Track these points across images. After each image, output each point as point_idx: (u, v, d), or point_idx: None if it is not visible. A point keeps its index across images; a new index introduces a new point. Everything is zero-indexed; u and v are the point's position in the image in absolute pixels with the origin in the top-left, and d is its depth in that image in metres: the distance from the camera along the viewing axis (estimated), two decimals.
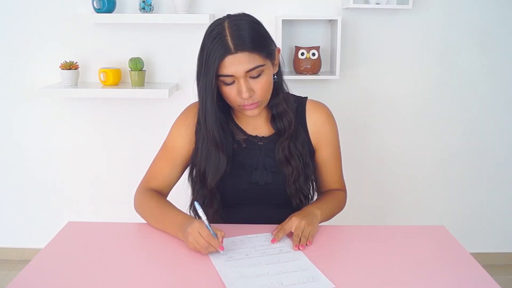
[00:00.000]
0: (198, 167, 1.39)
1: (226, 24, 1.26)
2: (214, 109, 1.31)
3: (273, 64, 1.33)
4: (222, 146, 1.35)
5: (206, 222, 1.19)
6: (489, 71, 2.53)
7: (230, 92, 1.29)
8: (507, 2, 2.45)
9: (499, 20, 2.47)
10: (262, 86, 1.29)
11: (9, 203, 2.69)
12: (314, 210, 1.35)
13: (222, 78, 1.27)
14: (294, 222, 1.27)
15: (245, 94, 1.26)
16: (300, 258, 1.18)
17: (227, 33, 1.24)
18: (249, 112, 1.33)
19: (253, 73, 1.26)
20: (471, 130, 2.60)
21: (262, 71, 1.27)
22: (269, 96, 1.34)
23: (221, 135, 1.35)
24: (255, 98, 1.29)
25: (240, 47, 1.23)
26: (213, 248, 1.16)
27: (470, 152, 2.62)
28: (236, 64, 1.24)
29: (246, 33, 1.24)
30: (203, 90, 1.30)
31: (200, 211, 1.21)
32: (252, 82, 1.28)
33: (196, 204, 1.22)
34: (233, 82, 1.28)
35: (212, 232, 1.17)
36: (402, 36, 2.48)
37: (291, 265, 1.14)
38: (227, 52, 1.23)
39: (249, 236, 1.29)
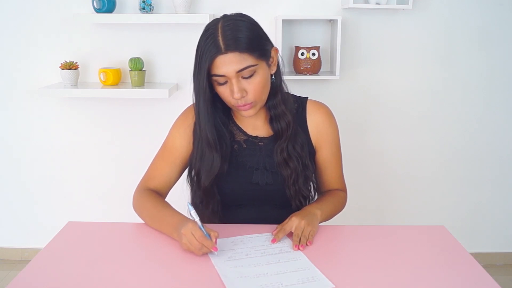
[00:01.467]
0: (194, 167, 1.40)
1: (220, 24, 1.26)
2: (206, 108, 1.32)
3: (269, 64, 1.32)
4: (216, 146, 1.35)
5: (199, 223, 1.19)
6: (489, 71, 2.53)
7: (224, 92, 1.29)
8: (507, 2, 2.45)
9: (499, 20, 2.47)
10: (255, 87, 1.28)
11: (9, 203, 2.69)
12: (314, 210, 1.35)
13: (215, 78, 1.27)
14: (294, 222, 1.27)
15: (236, 94, 1.26)
16: (300, 258, 1.18)
17: (219, 33, 1.24)
18: (244, 113, 1.33)
19: (244, 74, 1.26)
20: (471, 130, 2.60)
21: (255, 71, 1.27)
22: (264, 97, 1.34)
23: (214, 135, 1.35)
24: (248, 99, 1.29)
25: (230, 47, 1.23)
26: (207, 249, 1.16)
27: (470, 152, 2.62)
28: (227, 64, 1.24)
29: (238, 33, 1.24)
30: (196, 89, 1.30)
31: (193, 212, 1.21)
32: (245, 83, 1.27)
33: (189, 205, 1.22)
34: (226, 82, 1.28)
35: (205, 233, 1.17)
36: (402, 36, 2.48)
37: (291, 265, 1.14)
38: (218, 52, 1.23)
39: (249, 236, 1.29)
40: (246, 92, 1.28)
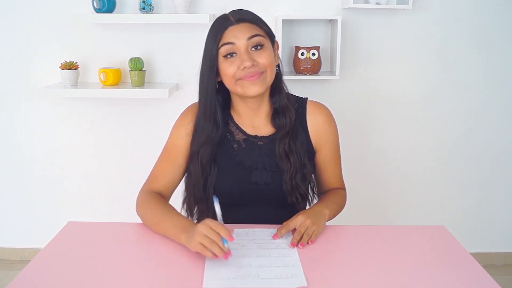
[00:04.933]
0: (193, 165, 1.40)
1: (229, 13, 1.36)
2: (214, 80, 1.34)
3: (273, 50, 1.37)
4: (215, 116, 1.37)
5: (220, 217, 1.20)
6: (488, 70, 2.53)
7: (231, 66, 1.31)
8: (506, 2, 2.45)
9: (498, 20, 2.47)
10: (265, 58, 1.32)
11: (9, 203, 2.69)
12: (323, 209, 1.36)
13: (224, 48, 1.30)
14: (299, 220, 1.27)
15: (247, 62, 1.29)
16: (292, 255, 1.18)
17: (229, 14, 1.35)
18: (250, 87, 1.32)
19: (254, 42, 1.30)
20: (470, 129, 2.60)
21: (264, 44, 1.32)
22: (272, 75, 1.35)
23: (214, 106, 1.36)
24: (258, 68, 1.31)
25: (241, 20, 1.32)
26: (219, 249, 1.11)
27: (470, 151, 2.63)
28: (237, 32, 1.31)
29: (247, 14, 1.35)
30: (206, 61, 1.34)
31: (217, 208, 1.21)
32: (255, 54, 1.31)
33: (215, 200, 1.22)
34: (234, 54, 1.31)
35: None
36: (402, 36, 2.48)
37: (279, 261, 1.14)
38: (228, 24, 1.31)
39: (255, 229, 1.30)
40: (257, 62, 1.31)
